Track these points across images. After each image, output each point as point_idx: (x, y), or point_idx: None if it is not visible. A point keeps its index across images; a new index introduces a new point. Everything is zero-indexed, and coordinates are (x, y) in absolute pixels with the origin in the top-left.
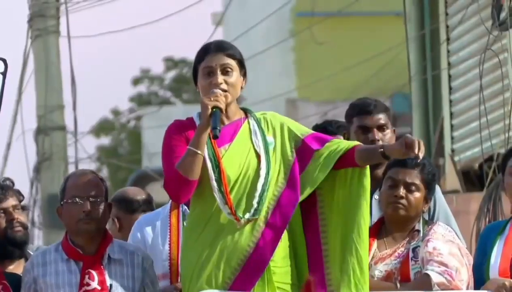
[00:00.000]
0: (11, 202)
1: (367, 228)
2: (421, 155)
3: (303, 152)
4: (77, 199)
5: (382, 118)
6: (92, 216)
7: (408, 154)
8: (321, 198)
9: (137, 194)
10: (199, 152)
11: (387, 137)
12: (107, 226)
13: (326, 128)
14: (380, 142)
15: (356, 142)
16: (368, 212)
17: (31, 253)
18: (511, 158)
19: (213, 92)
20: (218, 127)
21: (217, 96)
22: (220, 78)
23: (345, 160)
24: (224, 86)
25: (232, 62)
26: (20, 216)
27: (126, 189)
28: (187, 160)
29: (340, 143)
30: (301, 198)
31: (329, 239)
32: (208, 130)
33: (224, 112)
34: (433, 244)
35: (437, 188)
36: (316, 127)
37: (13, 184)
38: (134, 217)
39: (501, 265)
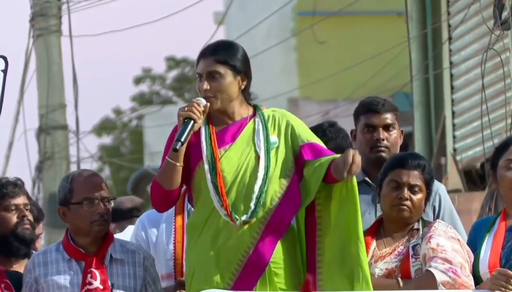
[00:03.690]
0: (22, 199)
1: (361, 230)
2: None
3: (299, 159)
4: (95, 201)
5: (389, 118)
6: (105, 217)
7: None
8: (319, 201)
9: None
10: (177, 163)
11: (392, 137)
12: None
13: (317, 130)
14: (385, 142)
15: (337, 156)
16: (360, 215)
17: (34, 252)
18: (504, 153)
19: (191, 102)
20: (181, 140)
21: (192, 106)
22: (205, 84)
23: (332, 173)
24: (208, 92)
25: (221, 68)
26: (29, 215)
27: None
28: (164, 170)
29: (329, 156)
30: (303, 205)
31: (324, 243)
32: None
33: (197, 122)
34: (436, 240)
35: (443, 187)
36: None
37: (23, 184)
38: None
39: (490, 260)
